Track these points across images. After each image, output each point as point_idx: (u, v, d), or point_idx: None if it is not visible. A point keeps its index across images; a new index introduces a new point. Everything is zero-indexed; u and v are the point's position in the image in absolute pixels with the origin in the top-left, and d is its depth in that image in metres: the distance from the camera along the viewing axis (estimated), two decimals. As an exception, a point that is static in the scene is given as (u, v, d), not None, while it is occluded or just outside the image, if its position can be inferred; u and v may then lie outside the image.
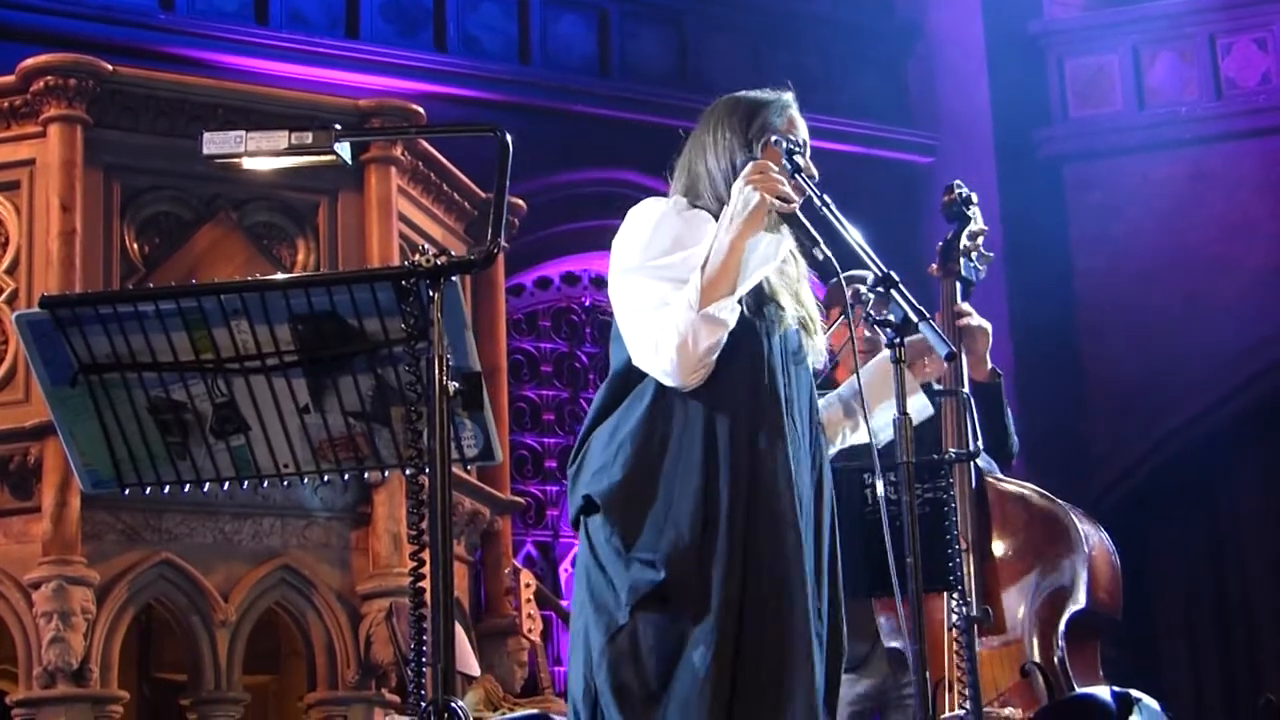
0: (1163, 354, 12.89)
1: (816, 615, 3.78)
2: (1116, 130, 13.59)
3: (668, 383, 3.68)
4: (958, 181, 5.82)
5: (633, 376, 3.76)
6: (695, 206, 3.89)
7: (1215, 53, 13.65)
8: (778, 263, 3.89)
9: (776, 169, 3.82)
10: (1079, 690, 5.19)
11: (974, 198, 5.78)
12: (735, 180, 3.83)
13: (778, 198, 3.76)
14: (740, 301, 3.76)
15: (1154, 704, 5.02)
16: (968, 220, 5.74)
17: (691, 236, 3.78)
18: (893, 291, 4.04)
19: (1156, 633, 13.42)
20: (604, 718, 3.62)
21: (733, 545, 3.65)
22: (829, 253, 3.85)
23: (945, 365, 4.13)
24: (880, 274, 4.05)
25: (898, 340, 4.09)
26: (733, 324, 3.72)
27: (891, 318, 4.04)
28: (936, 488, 4.56)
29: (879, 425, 4.12)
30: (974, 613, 5.05)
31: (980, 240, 5.75)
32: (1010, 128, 13.60)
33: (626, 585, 3.62)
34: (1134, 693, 5.00)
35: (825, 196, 4.08)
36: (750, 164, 3.80)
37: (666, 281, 3.70)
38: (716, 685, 3.58)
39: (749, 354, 3.79)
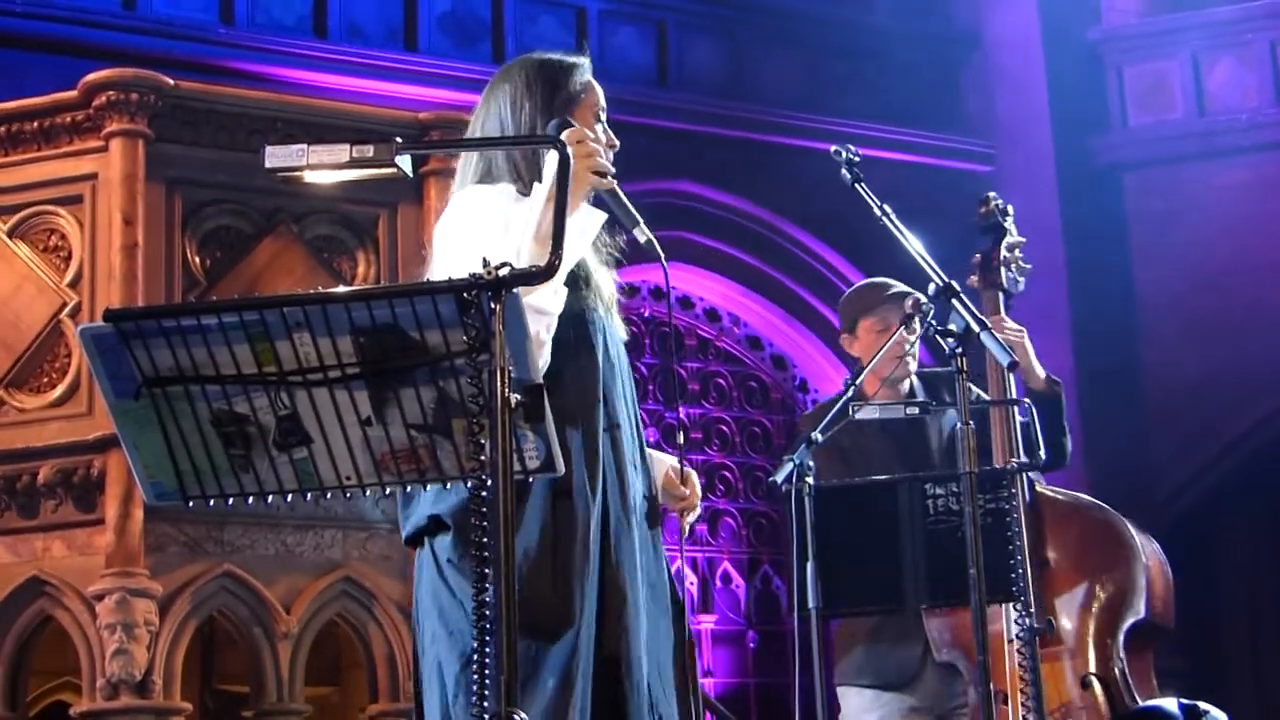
0: (1226, 361, 12.82)
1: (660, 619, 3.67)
2: (1176, 138, 13.52)
3: None
4: (992, 194, 5.81)
5: None
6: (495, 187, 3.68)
7: (1276, 59, 13.57)
8: (594, 235, 3.66)
9: (593, 136, 3.62)
10: (1145, 702, 5.17)
11: (1010, 209, 5.77)
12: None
13: (595, 172, 3.54)
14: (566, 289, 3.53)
15: (1222, 716, 5.00)
16: (1004, 232, 5.73)
17: (496, 215, 3.60)
18: (954, 301, 4.03)
19: (1222, 643, 13.33)
20: None
21: (586, 559, 3.53)
22: (650, 234, 3.60)
23: (696, 508, 3.96)
24: (942, 284, 4.04)
25: (959, 350, 4.08)
26: (558, 308, 3.51)
27: (953, 327, 4.04)
28: (999, 498, 4.55)
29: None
30: (1037, 624, 5.04)
31: (1018, 251, 5.73)
32: (1069, 135, 13.56)
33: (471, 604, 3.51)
34: (1202, 704, 4.98)
35: (885, 206, 4.07)
36: (567, 130, 3.54)
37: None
38: (568, 708, 3.48)
39: (587, 350, 3.64)
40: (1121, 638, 5.30)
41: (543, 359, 3.46)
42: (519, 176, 3.74)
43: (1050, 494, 5.44)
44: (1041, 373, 5.63)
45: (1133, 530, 5.42)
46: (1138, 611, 5.32)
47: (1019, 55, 13.76)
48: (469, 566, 3.38)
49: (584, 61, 3.87)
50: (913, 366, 5.75)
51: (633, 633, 3.61)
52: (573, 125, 3.61)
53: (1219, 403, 12.87)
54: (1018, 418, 5.37)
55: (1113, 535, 5.40)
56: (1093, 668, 5.25)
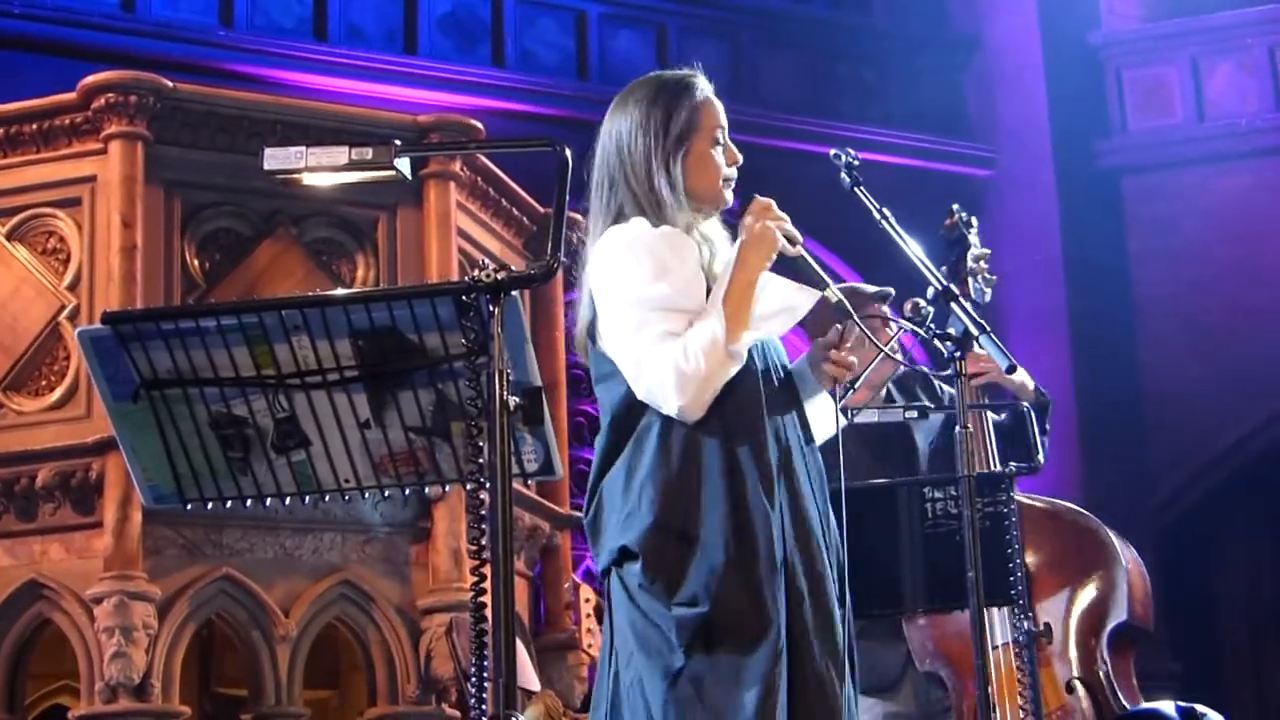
0: (1225, 365, 12.82)
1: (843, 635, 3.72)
2: (1176, 142, 13.53)
3: (676, 416, 3.59)
4: (956, 205, 5.79)
5: (634, 414, 3.65)
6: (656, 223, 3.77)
7: (1275, 64, 13.59)
8: (801, 316, 3.79)
9: (776, 210, 3.77)
10: (1142, 705, 5.17)
11: (974, 221, 5.75)
12: (654, 179, 3.76)
13: (786, 238, 3.72)
14: None
15: (1219, 718, 5.00)
16: (969, 244, 5.71)
17: (675, 258, 3.68)
18: (953, 305, 4.02)
19: (1220, 645, 13.34)
20: None
21: (772, 566, 3.58)
22: (840, 295, 3.74)
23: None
24: (941, 287, 4.03)
25: (957, 354, 4.08)
26: (744, 360, 3.66)
27: (952, 331, 4.03)
28: (997, 502, 4.54)
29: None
30: (1035, 627, 5.04)
31: (984, 262, 5.72)
32: (1069, 140, 13.56)
33: (674, 626, 3.54)
34: (1199, 707, 4.98)
35: (885, 210, 4.06)
36: (755, 199, 3.75)
37: (664, 311, 3.61)
38: (773, 715, 3.51)
39: (748, 372, 3.70)
40: (1105, 640, 5.30)
41: (706, 406, 3.60)
42: (644, 210, 3.78)
43: (1028, 500, 5.44)
44: (1032, 385, 5.62)
45: (1111, 534, 5.44)
46: (1120, 614, 5.32)
47: (1019, 59, 13.76)
48: (659, 589, 3.54)
49: (697, 82, 3.89)
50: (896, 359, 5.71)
51: (830, 644, 3.67)
52: (756, 197, 3.76)
53: (1218, 405, 12.87)
54: (991, 424, 5.35)
55: (1092, 539, 5.41)
56: (1077, 672, 5.25)
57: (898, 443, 5.68)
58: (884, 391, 5.74)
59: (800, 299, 3.77)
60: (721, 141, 3.86)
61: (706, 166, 3.83)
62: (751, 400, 3.69)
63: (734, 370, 3.62)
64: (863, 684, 5.57)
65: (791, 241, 3.73)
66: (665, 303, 3.62)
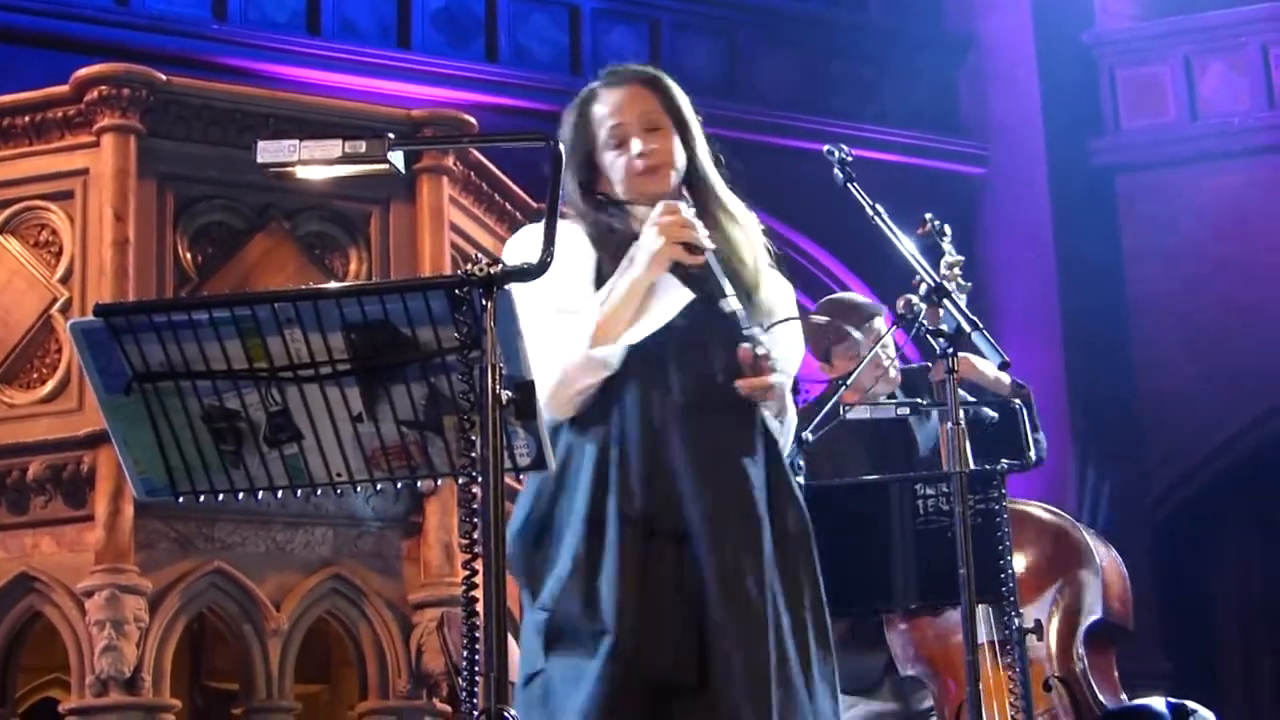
0: (1218, 363, 12.84)
1: (783, 637, 3.66)
2: (1169, 141, 13.56)
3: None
4: (929, 215, 5.79)
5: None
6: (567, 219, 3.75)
7: (1268, 63, 13.62)
8: (675, 313, 3.68)
9: (687, 212, 3.67)
10: (1135, 701, 5.18)
11: (947, 229, 5.75)
12: (580, 205, 3.77)
13: (682, 244, 3.62)
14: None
15: (1209, 715, 5.01)
16: (941, 252, 5.71)
17: (560, 257, 3.55)
18: (945, 302, 4.02)
19: (1212, 643, 13.35)
20: None
21: (625, 568, 3.52)
22: (736, 306, 3.66)
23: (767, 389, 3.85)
24: (933, 284, 4.04)
25: (950, 350, 4.08)
26: (615, 369, 3.61)
27: (944, 328, 4.03)
28: (988, 499, 4.54)
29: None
30: (1026, 625, 5.05)
31: (957, 269, 5.71)
32: (1062, 138, 13.59)
33: (532, 630, 3.58)
34: (1190, 704, 5.00)
35: (877, 206, 4.06)
36: (663, 205, 3.66)
37: (541, 310, 3.55)
38: (603, 686, 3.46)
39: (639, 374, 3.65)
40: (1080, 638, 5.31)
41: (572, 408, 3.60)
42: (574, 206, 3.80)
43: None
44: (1007, 380, 5.62)
45: (1087, 534, 5.45)
46: (1094, 612, 5.34)
47: (1014, 58, 13.78)
48: (527, 594, 3.60)
49: (589, 93, 3.86)
50: (894, 375, 5.72)
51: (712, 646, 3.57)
52: (673, 201, 3.69)
53: (1210, 404, 12.89)
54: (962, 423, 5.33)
55: (1066, 539, 5.43)
56: (1054, 670, 5.26)
57: (896, 441, 5.68)
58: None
59: (670, 304, 3.69)
60: (622, 136, 3.81)
61: (615, 171, 3.80)
62: (637, 404, 3.63)
63: (601, 374, 3.59)
64: (844, 686, 5.58)
65: (694, 250, 3.64)
66: (543, 301, 3.57)
